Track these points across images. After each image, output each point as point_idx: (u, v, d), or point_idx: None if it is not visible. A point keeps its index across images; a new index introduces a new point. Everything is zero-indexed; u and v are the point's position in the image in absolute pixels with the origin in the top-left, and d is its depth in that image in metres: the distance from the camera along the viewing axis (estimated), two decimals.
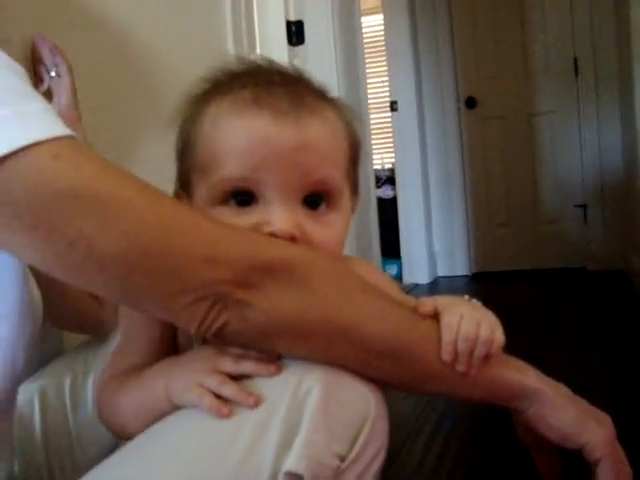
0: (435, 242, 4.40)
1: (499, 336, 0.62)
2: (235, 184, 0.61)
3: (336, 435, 0.54)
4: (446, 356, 0.60)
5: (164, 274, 0.52)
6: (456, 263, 4.39)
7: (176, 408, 0.58)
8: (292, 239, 0.60)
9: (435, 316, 0.62)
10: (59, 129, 0.51)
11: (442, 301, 0.63)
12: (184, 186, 0.66)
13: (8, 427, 0.65)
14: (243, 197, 0.61)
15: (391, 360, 0.59)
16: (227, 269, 0.53)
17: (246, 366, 0.57)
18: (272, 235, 0.59)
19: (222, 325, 0.55)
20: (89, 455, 0.86)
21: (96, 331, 0.96)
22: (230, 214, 0.61)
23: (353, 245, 2.55)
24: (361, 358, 0.58)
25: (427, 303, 0.63)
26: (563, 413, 0.64)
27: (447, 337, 0.60)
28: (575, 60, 4.08)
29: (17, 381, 0.64)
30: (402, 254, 4.24)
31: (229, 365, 0.57)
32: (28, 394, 0.87)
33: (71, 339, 1.01)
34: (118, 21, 1.36)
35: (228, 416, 0.54)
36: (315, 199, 0.63)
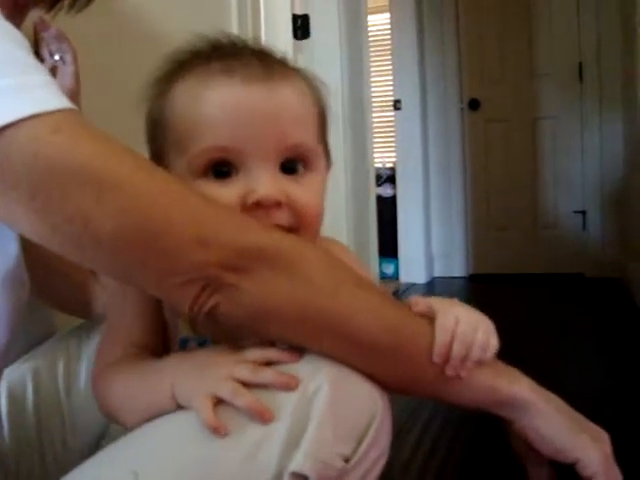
0: (433, 242, 4.40)
1: (494, 342, 0.60)
2: (213, 155, 0.61)
3: (342, 436, 0.53)
4: (437, 358, 0.58)
5: (156, 253, 0.53)
6: (453, 264, 4.39)
7: (180, 408, 0.56)
8: (277, 204, 0.60)
9: (429, 316, 0.61)
10: (60, 102, 0.51)
11: (437, 302, 0.62)
12: (159, 164, 0.64)
13: None
14: (222, 168, 0.61)
15: (381, 356, 0.58)
16: (217, 252, 0.53)
17: (264, 376, 0.55)
18: (258, 203, 0.59)
19: (212, 307, 0.55)
20: (81, 438, 0.85)
21: (87, 313, 0.95)
22: (211, 187, 0.60)
23: (351, 241, 2.55)
24: (352, 351, 0.57)
25: (420, 302, 0.62)
26: (556, 426, 0.63)
27: (441, 338, 0.58)
28: (580, 65, 4.08)
29: (1, 354, 0.62)
30: (399, 253, 4.25)
31: (246, 374, 0.55)
32: (21, 374, 0.86)
33: (63, 322, 1.01)
34: (125, 9, 1.36)
35: (223, 436, 0.52)
36: (292, 164, 0.63)
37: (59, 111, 0.50)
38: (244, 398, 0.53)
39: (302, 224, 0.62)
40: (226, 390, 0.53)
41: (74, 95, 1.04)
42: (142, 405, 0.59)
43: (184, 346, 0.65)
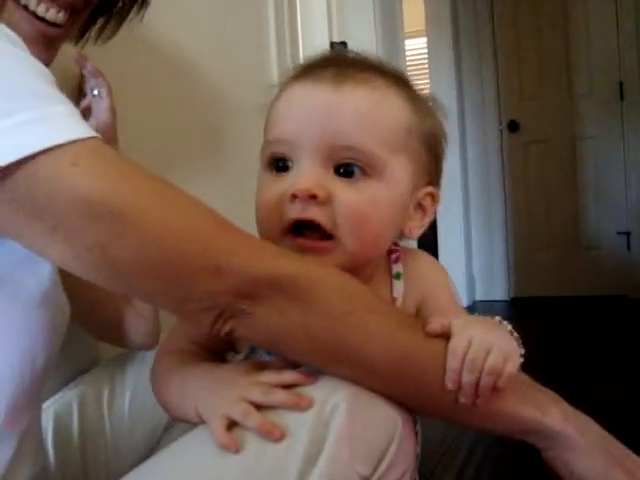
0: (474, 265, 4.34)
1: (511, 366, 0.56)
2: (274, 149, 0.64)
3: (360, 455, 0.53)
4: (449, 384, 0.56)
5: (172, 283, 0.54)
6: (495, 287, 4.33)
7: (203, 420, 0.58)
8: (313, 197, 0.60)
9: (446, 336, 0.58)
10: (81, 131, 0.52)
11: (457, 321, 0.59)
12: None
13: (32, 422, 0.65)
14: (280, 163, 0.64)
15: (396, 382, 0.58)
16: (231, 280, 0.53)
17: (275, 398, 0.55)
18: (294, 197, 0.60)
19: (229, 331, 0.56)
20: (123, 464, 0.87)
21: (123, 342, 0.96)
22: (269, 181, 0.64)
23: None
24: (368, 377, 0.57)
25: (436, 322, 0.59)
26: (587, 461, 0.59)
27: (451, 364, 0.56)
28: (621, 84, 4.02)
29: (37, 376, 0.63)
30: None
31: (258, 396, 0.55)
32: (67, 400, 0.89)
33: (108, 351, 1.03)
34: (167, 45, 1.39)
35: (235, 453, 0.53)
36: (348, 167, 0.62)
37: (78, 141, 0.51)
38: (254, 419, 0.54)
39: (343, 228, 0.61)
40: (237, 411, 0.54)
41: (110, 129, 1.07)
42: (175, 407, 0.62)
43: (254, 351, 0.66)
